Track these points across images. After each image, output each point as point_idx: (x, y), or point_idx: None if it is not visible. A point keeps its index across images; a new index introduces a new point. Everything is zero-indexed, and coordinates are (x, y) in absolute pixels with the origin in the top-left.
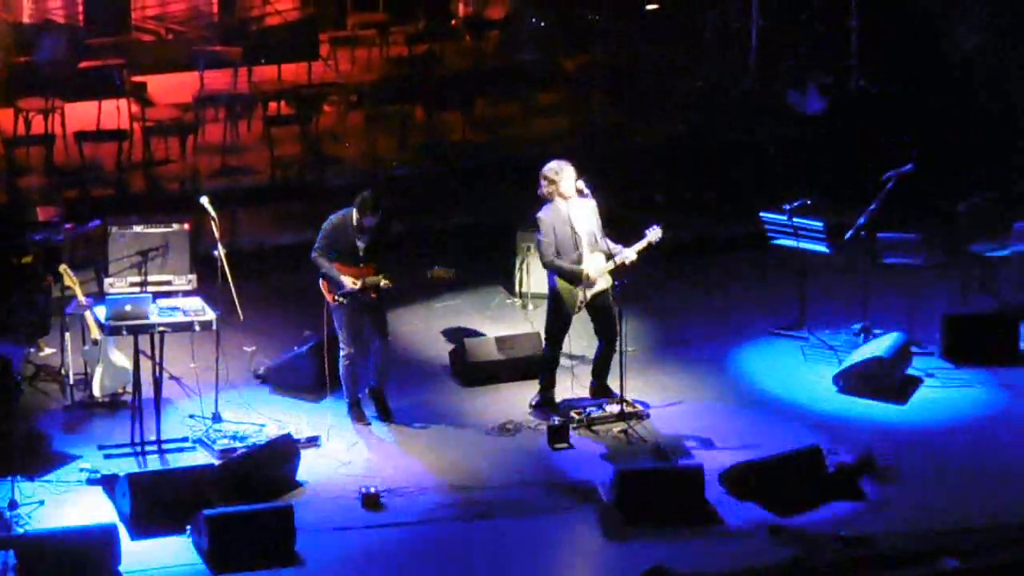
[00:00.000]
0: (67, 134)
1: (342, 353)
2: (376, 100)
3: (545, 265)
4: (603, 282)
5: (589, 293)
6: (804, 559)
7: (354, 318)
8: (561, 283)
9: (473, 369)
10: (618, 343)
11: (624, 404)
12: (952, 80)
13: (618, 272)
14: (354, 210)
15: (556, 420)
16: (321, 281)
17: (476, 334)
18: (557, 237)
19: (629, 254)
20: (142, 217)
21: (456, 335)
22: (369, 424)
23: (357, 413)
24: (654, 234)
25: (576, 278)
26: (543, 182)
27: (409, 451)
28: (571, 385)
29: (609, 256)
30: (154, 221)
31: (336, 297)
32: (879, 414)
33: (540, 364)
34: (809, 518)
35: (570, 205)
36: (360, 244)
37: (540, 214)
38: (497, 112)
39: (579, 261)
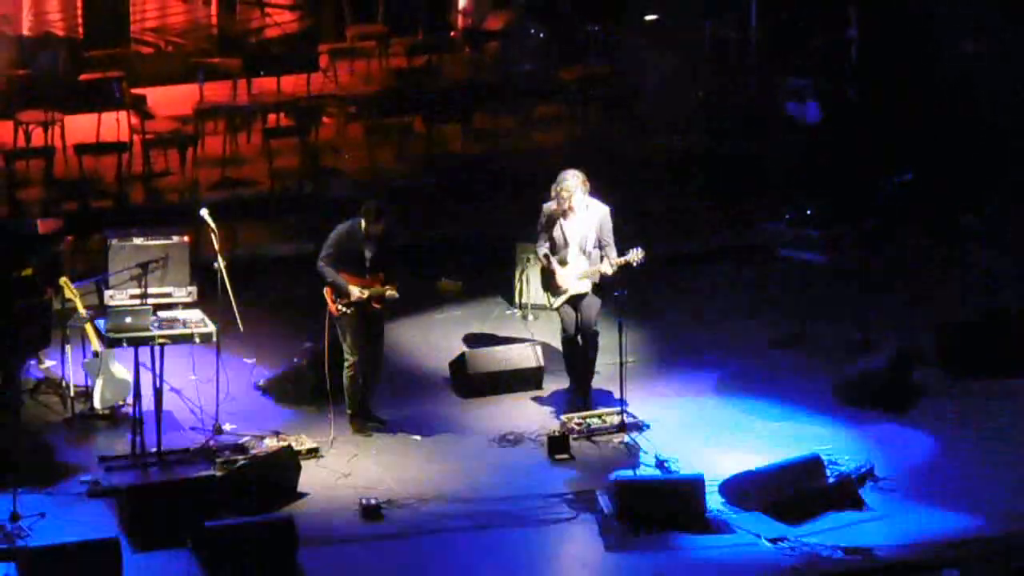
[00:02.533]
0: (67, 147)
1: (347, 363)
2: (375, 112)
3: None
4: (582, 286)
5: (563, 296)
6: (804, 570)
7: (358, 327)
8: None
9: (473, 380)
10: (619, 354)
11: (624, 414)
12: (953, 88)
13: (611, 281)
14: (361, 219)
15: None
16: (326, 290)
17: (477, 345)
18: (551, 233)
19: (604, 267)
20: (142, 229)
21: (456, 346)
22: (370, 435)
23: (359, 424)
24: (634, 255)
25: (545, 273)
26: (553, 191)
27: (409, 462)
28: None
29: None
30: (154, 233)
31: (339, 307)
32: (878, 424)
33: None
34: (809, 528)
35: (569, 212)
36: (368, 254)
37: (545, 205)
38: (496, 124)
39: (564, 262)
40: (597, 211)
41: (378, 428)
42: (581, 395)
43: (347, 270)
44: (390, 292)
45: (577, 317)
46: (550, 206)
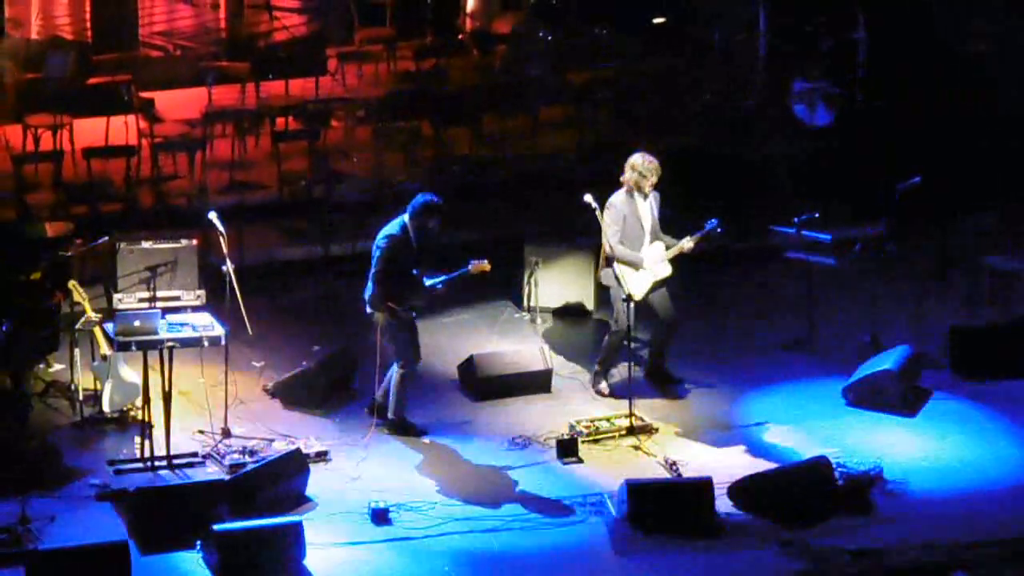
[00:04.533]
0: (75, 150)
1: (402, 369)
2: (383, 115)
3: (610, 252)
4: (663, 269)
5: (649, 281)
6: (813, 573)
7: (414, 330)
8: (620, 269)
9: (482, 383)
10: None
11: (633, 418)
12: (961, 90)
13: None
14: (408, 219)
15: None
16: (388, 306)
17: (485, 349)
18: (626, 225)
19: (687, 243)
20: (151, 233)
21: (465, 349)
22: (425, 433)
23: (405, 428)
24: (712, 226)
25: (636, 265)
26: (630, 171)
27: (418, 466)
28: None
29: (668, 246)
30: (163, 237)
31: (403, 316)
32: (888, 427)
33: (606, 345)
34: (818, 531)
35: (639, 198)
36: (417, 253)
37: (614, 200)
38: (504, 127)
39: (640, 250)
40: (655, 195)
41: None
42: (658, 376)
43: (401, 277)
44: (485, 268)
45: (656, 306)
46: (621, 196)
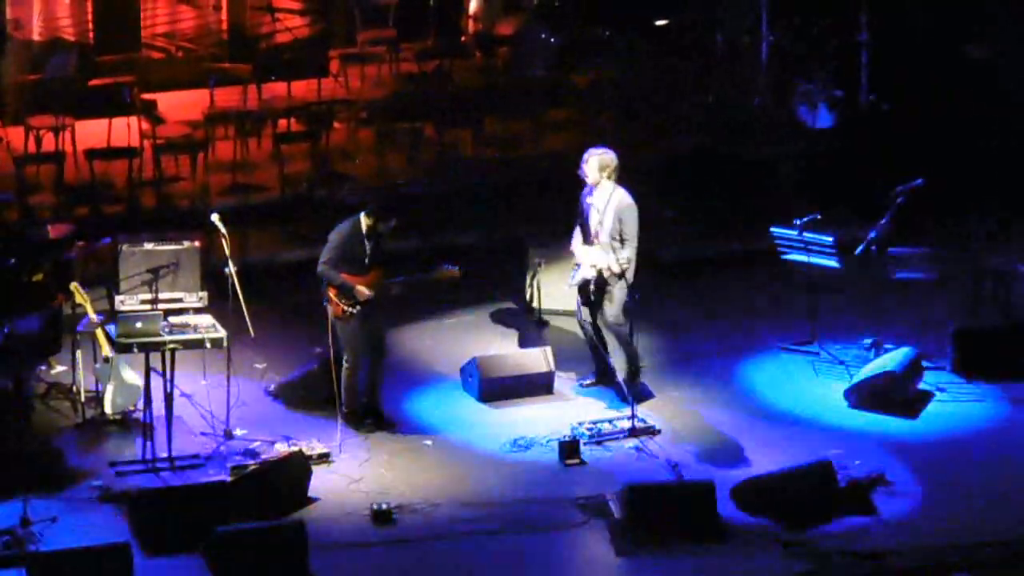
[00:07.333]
0: (77, 152)
1: (347, 363)
2: (386, 117)
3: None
4: (587, 272)
5: (577, 276)
6: (816, 574)
7: (362, 327)
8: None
9: (485, 385)
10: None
11: (635, 419)
12: (964, 93)
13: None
14: (362, 217)
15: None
16: (329, 296)
17: (488, 351)
18: (579, 214)
19: (612, 263)
20: (153, 235)
21: (468, 351)
22: (371, 432)
23: (356, 422)
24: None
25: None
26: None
27: (420, 467)
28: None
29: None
30: (165, 238)
31: (346, 309)
32: (890, 429)
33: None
34: (820, 533)
35: (593, 192)
36: (367, 251)
37: (584, 191)
38: (507, 129)
39: (586, 243)
40: (617, 201)
41: (390, 429)
42: (612, 386)
43: (347, 270)
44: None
45: (589, 305)
46: (586, 191)
